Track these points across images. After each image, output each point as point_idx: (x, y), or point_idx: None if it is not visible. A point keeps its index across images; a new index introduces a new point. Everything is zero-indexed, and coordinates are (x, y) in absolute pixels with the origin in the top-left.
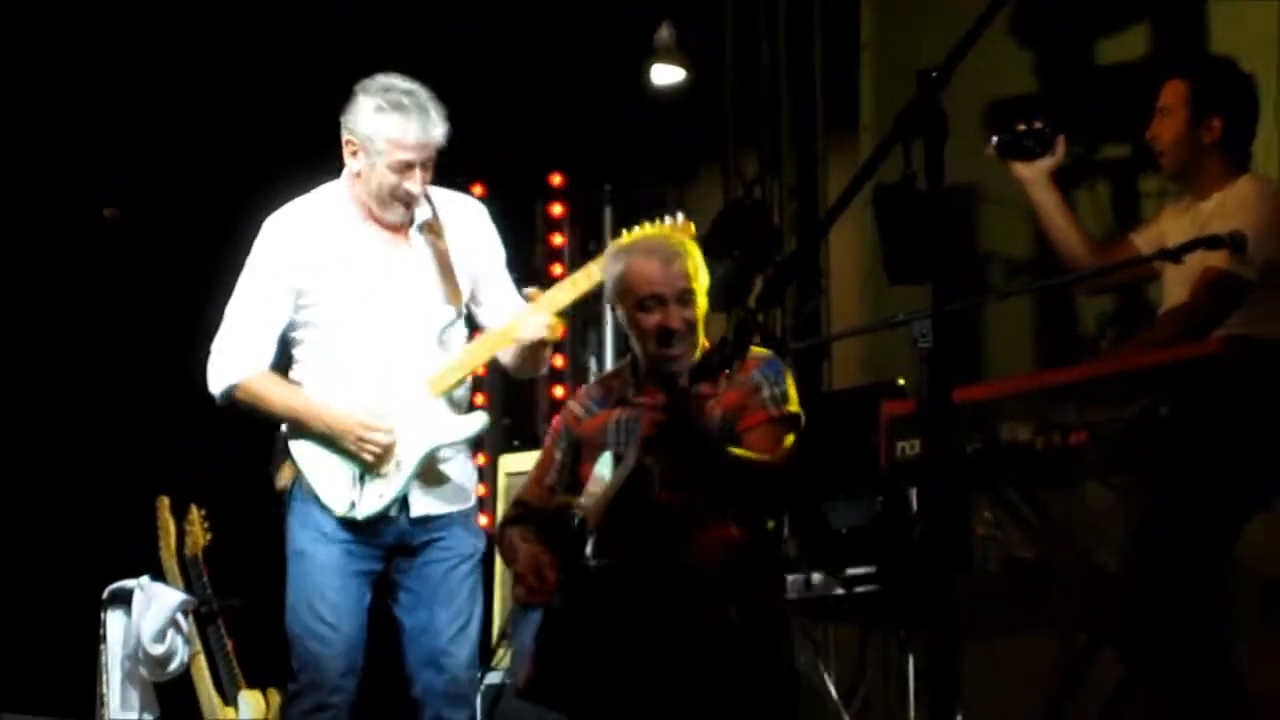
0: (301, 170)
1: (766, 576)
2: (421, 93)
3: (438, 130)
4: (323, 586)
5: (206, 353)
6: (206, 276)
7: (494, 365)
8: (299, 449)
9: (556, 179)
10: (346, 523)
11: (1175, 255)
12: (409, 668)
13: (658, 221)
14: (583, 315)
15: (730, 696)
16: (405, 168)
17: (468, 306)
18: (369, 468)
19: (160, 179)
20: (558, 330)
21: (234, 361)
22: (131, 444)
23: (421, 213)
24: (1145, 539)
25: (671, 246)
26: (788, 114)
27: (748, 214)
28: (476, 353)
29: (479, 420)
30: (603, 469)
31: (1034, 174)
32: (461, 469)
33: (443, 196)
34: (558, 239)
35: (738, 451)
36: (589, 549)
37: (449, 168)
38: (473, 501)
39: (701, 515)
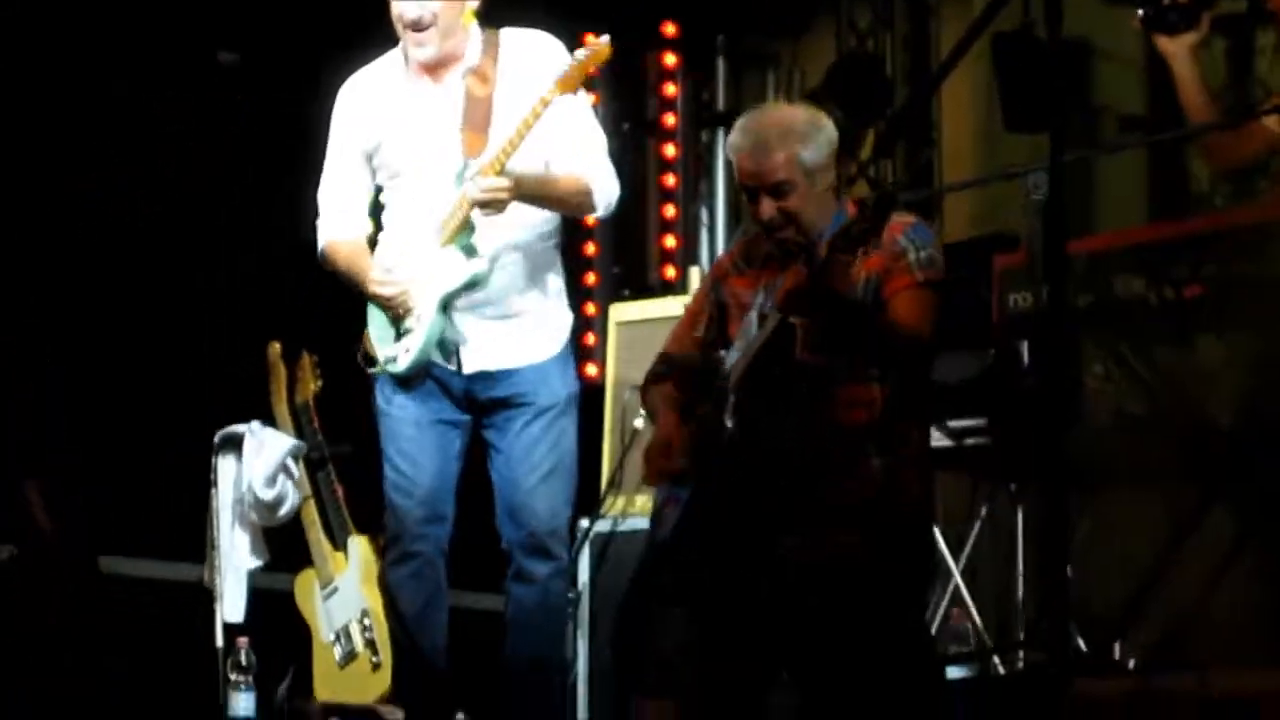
0: None
1: (910, 436)
2: None
3: None
4: (398, 437)
5: (314, 197)
6: (315, 117)
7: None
8: (368, 311)
9: (669, 28)
10: (404, 380)
11: None
12: (496, 521)
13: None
14: (694, 167)
15: (867, 569)
16: None
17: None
18: (398, 321)
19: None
20: (503, 193)
21: (322, 230)
22: (243, 288)
23: (470, 58)
24: (1257, 393)
25: (770, 131)
26: None
27: (860, 66)
28: (461, 204)
29: (471, 267)
30: (748, 330)
31: (1178, 48)
32: (531, 322)
33: (511, 38)
34: (670, 89)
35: (881, 317)
36: (728, 410)
37: (561, 12)
38: (551, 353)
39: (844, 375)
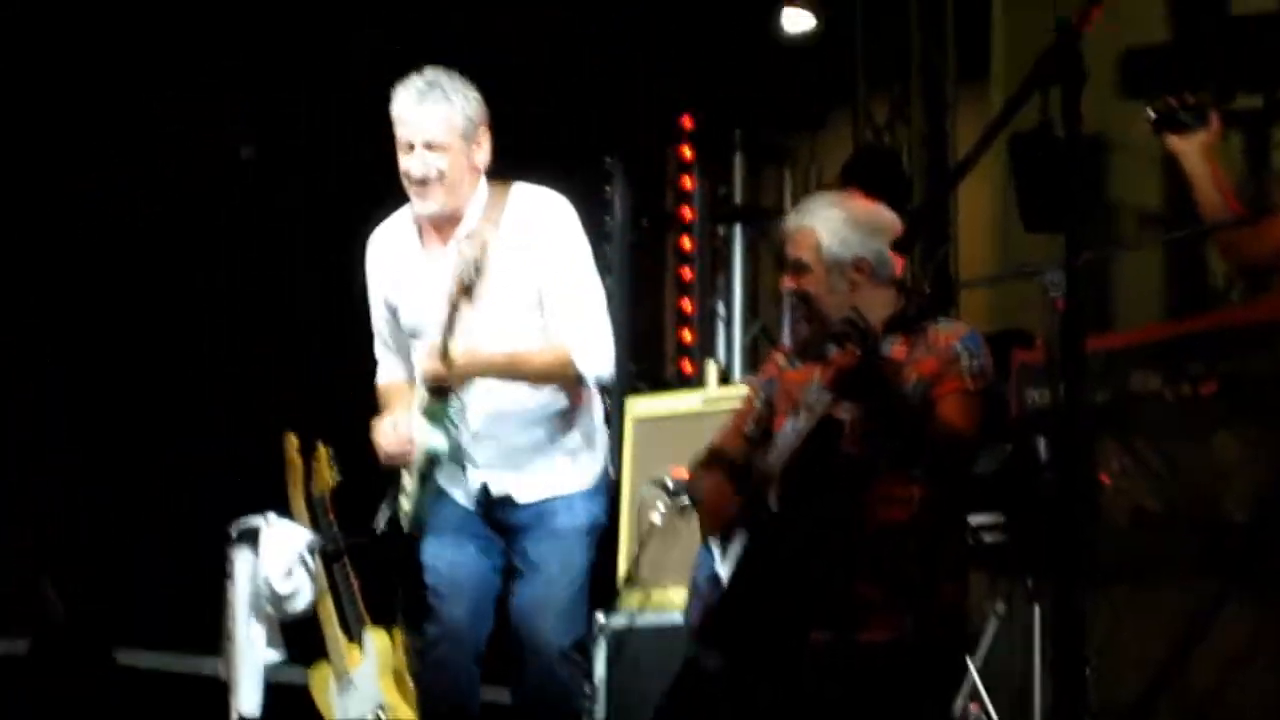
0: None
1: (946, 540)
2: (443, 78)
3: (436, 108)
4: (439, 545)
5: (343, 292)
6: (348, 216)
7: (616, 308)
8: None
9: (687, 122)
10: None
11: None
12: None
13: None
14: (711, 260)
15: (896, 668)
16: (406, 148)
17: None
18: (406, 473)
19: (306, 115)
20: (440, 379)
21: (378, 369)
22: (262, 382)
23: (470, 220)
24: (1274, 491)
25: (807, 208)
26: (918, 60)
27: (878, 160)
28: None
29: (430, 442)
30: (793, 427)
31: (1189, 147)
32: (548, 470)
33: (520, 197)
34: (687, 183)
35: (929, 416)
36: (771, 496)
37: (584, 102)
38: (578, 489)
39: (886, 472)
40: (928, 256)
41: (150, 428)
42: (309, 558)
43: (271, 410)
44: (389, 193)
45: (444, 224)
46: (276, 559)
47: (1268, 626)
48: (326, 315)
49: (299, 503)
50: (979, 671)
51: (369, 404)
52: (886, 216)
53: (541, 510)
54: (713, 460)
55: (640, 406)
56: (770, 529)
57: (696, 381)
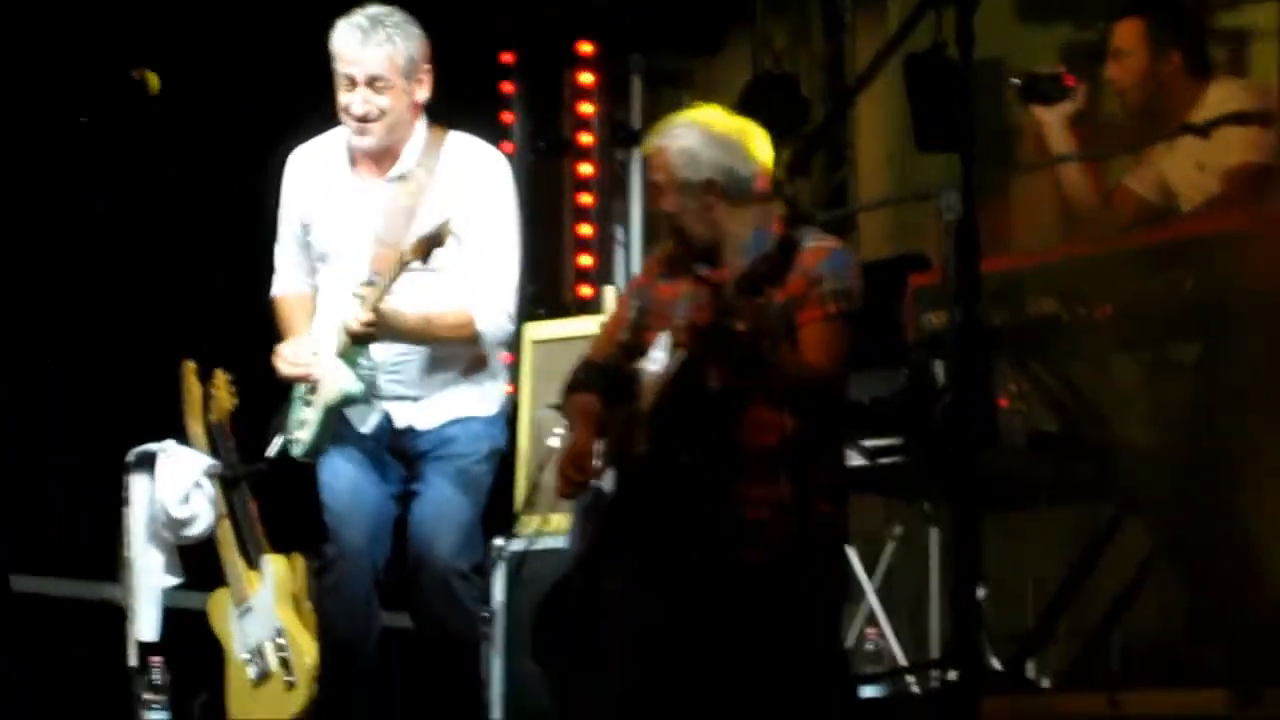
0: None
1: (821, 460)
2: (387, 15)
3: (380, 49)
4: (338, 465)
5: (240, 224)
6: (249, 147)
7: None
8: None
9: (585, 47)
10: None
11: (1204, 130)
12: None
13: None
14: (609, 185)
15: (776, 586)
16: (347, 84)
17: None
18: (303, 403)
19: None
20: (368, 330)
21: (275, 279)
22: (158, 307)
23: (406, 161)
24: (1167, 410)
25: (659, 130)
26: None
27: (776, 84)
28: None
29: (346, 386)
30: (661, 347)
31: (1053, 118)
32: (455, 396)
33: (456, 146)
34: (585, 107)
35: (784, 353)
36: (641, 431)
37: (478, 32)
38: (479, 414)
39: (755, 400)
40: (825, 179)
41: (47, 356)
42: (207, 483)
43: (169, 337)
44: (300, 123)
45: (380, 156)
46: (174, 484)
47: (1163, 548)
48: (224, 240)
49: (197, 429)
50: (876, 595)
51: (267, 330)
52: (744, 134)
53: (442, 435)
54: (583, 380)
55: (539, 330)
56: (641, 470)
57: (595, 306)
